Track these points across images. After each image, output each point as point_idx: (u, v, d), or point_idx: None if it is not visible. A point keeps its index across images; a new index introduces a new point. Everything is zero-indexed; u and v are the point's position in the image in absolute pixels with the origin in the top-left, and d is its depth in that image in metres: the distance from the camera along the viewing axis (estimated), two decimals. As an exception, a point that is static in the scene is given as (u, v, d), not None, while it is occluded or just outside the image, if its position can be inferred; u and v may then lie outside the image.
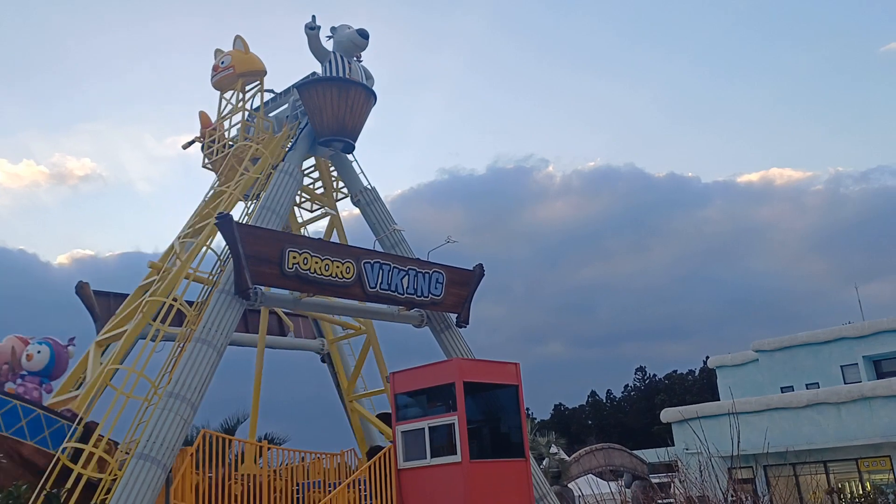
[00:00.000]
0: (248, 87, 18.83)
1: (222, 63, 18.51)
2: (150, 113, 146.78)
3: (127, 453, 12.81)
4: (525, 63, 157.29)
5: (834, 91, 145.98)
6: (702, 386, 66.33)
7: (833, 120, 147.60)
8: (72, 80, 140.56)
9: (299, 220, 20.35)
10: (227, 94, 18.85)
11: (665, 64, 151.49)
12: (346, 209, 20.32)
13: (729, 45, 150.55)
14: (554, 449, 30.85)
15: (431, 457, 13.25)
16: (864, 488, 24.12)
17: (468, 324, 18.19)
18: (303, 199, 20.36)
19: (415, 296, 16.70)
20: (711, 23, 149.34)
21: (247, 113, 18.48)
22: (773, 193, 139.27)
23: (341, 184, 19.94)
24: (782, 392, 32.10)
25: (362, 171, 19.13)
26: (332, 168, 19.87)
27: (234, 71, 18.34)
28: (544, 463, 28.76)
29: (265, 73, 18.82)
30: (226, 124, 18.72)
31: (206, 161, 18.84)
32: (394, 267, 16.38)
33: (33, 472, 12.21)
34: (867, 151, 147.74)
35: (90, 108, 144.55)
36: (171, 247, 17.22)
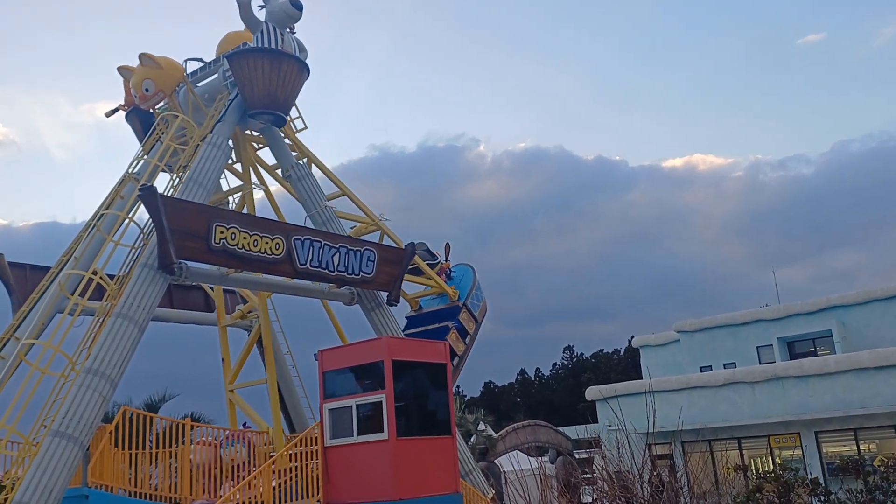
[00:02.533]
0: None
1: (147, 90, 17.54)
2: (65, 78, 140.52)
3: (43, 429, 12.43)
4: (455, 41, 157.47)
5: (755, 80, 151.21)
6: (626, 365, 68.21)
7: (754, 108, 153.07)
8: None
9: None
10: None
11: (592, 47, 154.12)
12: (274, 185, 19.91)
13: (654, 31, 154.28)
14: (482, 426, 31.33)
15: (358, 434, 13.26)
16: (774, 464, 25.33)
17: (399, 302, 18.25)
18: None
19: (346, 273, 16.61)
20: (638, 6, 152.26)
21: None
22: (696, 179, 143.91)
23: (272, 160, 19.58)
24: (701, 371, 33.32)
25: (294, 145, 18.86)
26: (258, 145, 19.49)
27: (166, 93, 17.60)
28: (472, 440, 29.18)
29: (185, 67, 18.29)
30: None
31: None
32: (325, 244, 16.23)
33: None
34: (785, 140, 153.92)
35: (0, 71, 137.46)
36: (92, 218, 16.66)
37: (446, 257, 22.25)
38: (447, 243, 22.58)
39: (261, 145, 19.63)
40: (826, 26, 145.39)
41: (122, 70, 18.43)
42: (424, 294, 21.56)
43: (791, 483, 14.92)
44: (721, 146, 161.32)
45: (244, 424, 17.83)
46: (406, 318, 21.54)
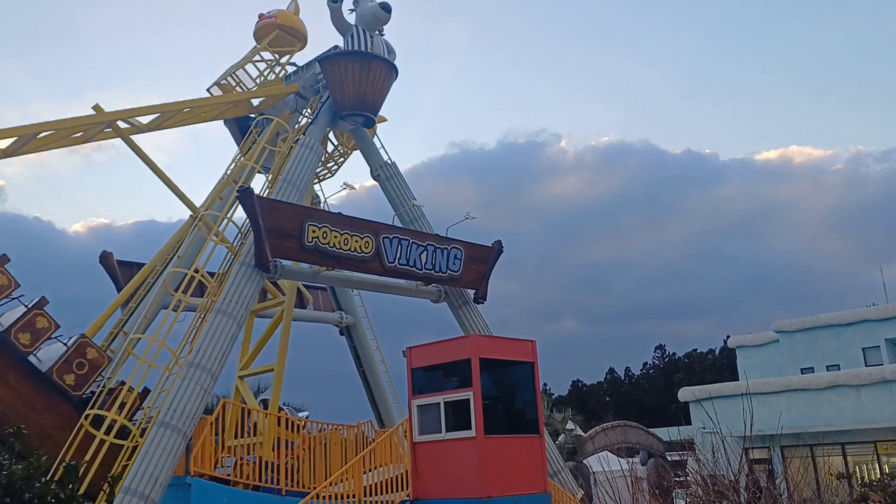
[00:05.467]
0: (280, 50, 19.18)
1: (269, 13, 19.02)
2: (158, 83, 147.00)
3: (148, 421, 13.10)
4: (535, 36, 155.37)
5: (854, 69, 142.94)
6: (721, 365, 66.05)
7: (853, 98, 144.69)
8: (81, 50, 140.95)
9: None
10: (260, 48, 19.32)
11: (679, 38, 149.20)
12: (360, 181, 20.50)
13: (745, 20, 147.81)
14: (570, 425, 30.98)
15: (446, 431, 13.38)
16: (881, 471, 24.02)
17: (486, 300, 18.26)
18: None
19: (433, 271, 16.77)
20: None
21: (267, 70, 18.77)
22: (792, 172, 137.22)
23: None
24: (802, 373, 31.91)
25: (382, 146, 19.18)
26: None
27: (275, 21, 18.79)
28: (560, 439, 28.91)
29: (304, 38, 19.13)
30: (246, 80, 18.98)
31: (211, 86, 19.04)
32: (412, 242, 16.44)
33: None
34: (888, 131, 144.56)
35: (100, 78, 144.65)
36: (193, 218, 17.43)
37: None
38: None
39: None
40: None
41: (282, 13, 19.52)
42: None
43: (900, 493, 14.14)
44: (819, 137, 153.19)
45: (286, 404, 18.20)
46: None
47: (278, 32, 19.01)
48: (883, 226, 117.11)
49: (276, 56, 19.32)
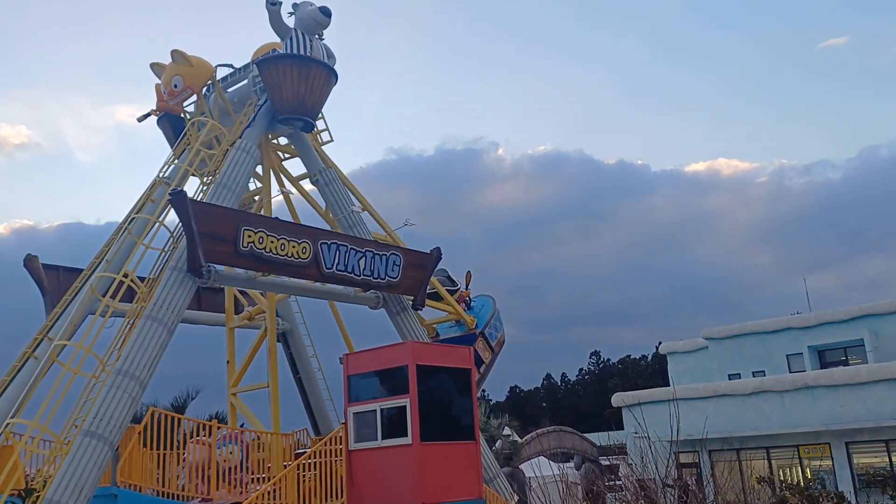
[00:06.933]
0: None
1: (176, 87, 17.87)
2: (85, 81, 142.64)
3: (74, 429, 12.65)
4: (473, 43, 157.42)
5: (778, 85, 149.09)
6: (654, 371, 67.62)
7: (778, 112, 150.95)
8: (5, 47, 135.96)
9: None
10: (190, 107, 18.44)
11: (613, 51, 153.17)
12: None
13: (675, 33, 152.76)
14: (507, 431, 31.22)
15: (383, 438, 13.33)
16: (803, 474, 24.99)
17: (424, 307, 18.30)
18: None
19: (371, 277, 16.70)
20: (660, 10, 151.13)
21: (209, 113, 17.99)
22: (720, 183, 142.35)
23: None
24: (730, 379, 32.95)
25: (322, 150, 19.05)
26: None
27: (193, 90, 17.89)
28: (497, 445, 29.11)
29: (214, 70, 18.42)
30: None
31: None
32: (351, 248, 16.35)
33: None
34: (810, 146, 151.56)
35: (25, 75, 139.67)
36: (124, 221, 16.95)
37: (466, 285, 21.95)
38: (468, 272, 22.29)
39: (287, 155, 19.75)
40: (849, 30, 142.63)
41: (155, 67, 18.57)
42: (442, 320, 21.28)
43: (816, 496, 14.73)
44: (745, 151, 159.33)
45: (242, 425, 17.79)
46: None
47: (199, 96, 18.08)
48: (805, 238, 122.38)
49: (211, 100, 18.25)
